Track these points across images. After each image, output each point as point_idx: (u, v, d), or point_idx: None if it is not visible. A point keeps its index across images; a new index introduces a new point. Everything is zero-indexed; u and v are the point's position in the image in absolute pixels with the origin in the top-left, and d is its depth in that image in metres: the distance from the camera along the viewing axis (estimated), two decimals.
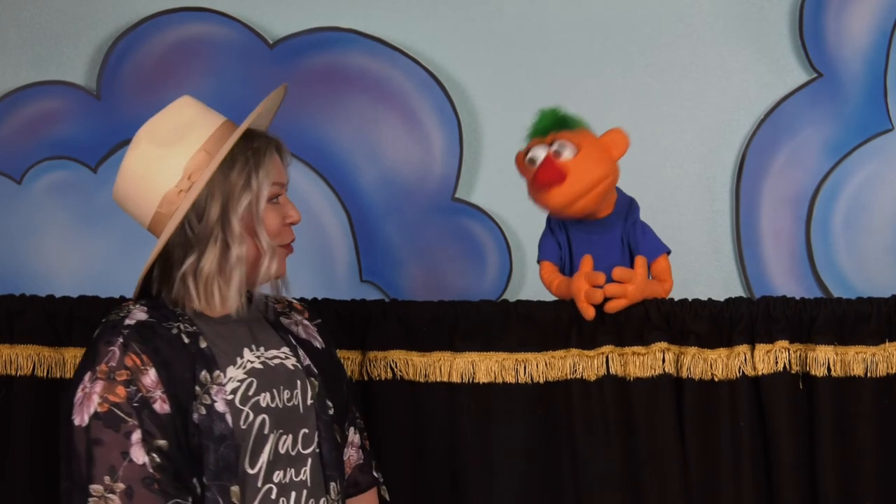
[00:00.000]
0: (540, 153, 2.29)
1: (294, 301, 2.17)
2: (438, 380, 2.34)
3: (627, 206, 2.36)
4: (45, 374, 2.35)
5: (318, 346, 2.09)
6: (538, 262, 2.40)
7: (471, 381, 2.33)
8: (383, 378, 2.36)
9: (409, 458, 2.35)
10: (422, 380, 2.34)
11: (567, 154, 2.27)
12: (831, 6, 3.11)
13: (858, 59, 3.11)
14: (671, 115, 3.16)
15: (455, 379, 2.33)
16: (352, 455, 2.14)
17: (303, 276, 3.07)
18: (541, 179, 2.25)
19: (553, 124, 2.33)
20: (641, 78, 3.17)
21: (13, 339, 2.36)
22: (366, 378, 2.37)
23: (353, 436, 2.15)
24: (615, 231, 2.34)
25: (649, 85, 3.17)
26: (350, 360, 2.37)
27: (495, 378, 2.32)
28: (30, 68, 3.23)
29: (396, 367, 2.35)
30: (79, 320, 2.34)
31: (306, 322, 2.12)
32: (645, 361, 2.27)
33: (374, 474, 2.17)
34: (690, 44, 3.17)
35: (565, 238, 2.37)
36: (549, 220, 2.41)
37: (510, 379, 2.32)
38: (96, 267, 3.17)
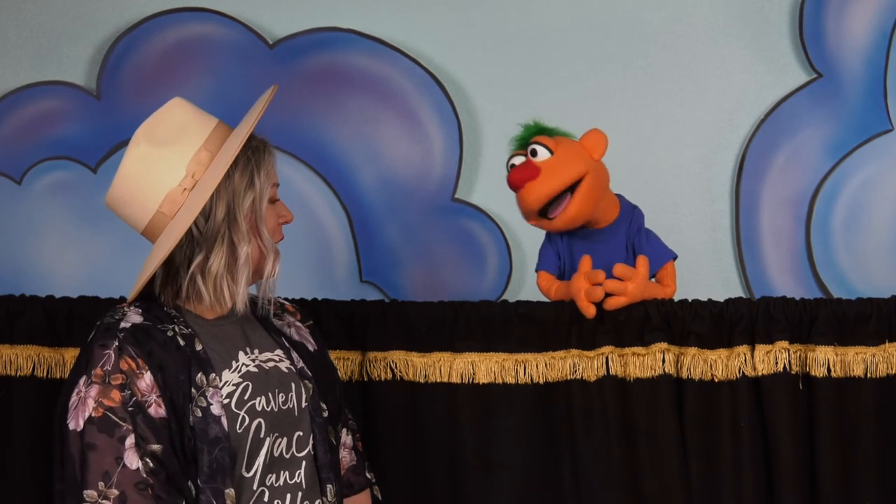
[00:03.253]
0: (518, 160, 2.32)
1: (286, 302, 2.17)
2: (438, 380, 2.34)
3: (631, 214, 2.37)
4: (45, 374, 2.35)
5: (311, 348, 2.09)
6: (536, 271, 2.41)
7: (471, 381, 2.33)
8: (383, 378, 2.36)
9: (408, 458, 2.35)
10: (422, 380, 2.34)
11: (541, 155, 2.29)
12: (831, 6, 3.11)
13: (858, 59, 3.11)
14: (671, 115, 3.16)
15: (455, 379, 2.33)
16: (344, 456, 2.14)
17: (303, 277, 3.10)
18: (514, 178, 2.29)
19: (531, 134, 2.35)
20: (641, 78, 3.17)
21: (13, 339, 2.35)
22: (366, 378, 2.37)
23: (346, 437, 2.15)
24: (619, 239, 2.35)
25: (649, 85, 3.17)
26: (350, 360, 2.37)
27: (495, 378, 2.32)
28: (30, 68, 3.23)
29: (396, 367, 2.35)
30: (79, 320, 2.34)
31: (298, 324, 2.12)
32: (645, 362, 2.28)
33: (367, 475, 2.17)
34: (690, 44, 3.17)
35: (565, 248, 2.38)
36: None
37: (510, 379, 2.32)
38: (96, 267, 3.17)
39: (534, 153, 2.30)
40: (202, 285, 1.92)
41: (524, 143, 2.36)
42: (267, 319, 2.06)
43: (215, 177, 1.90)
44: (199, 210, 1.88)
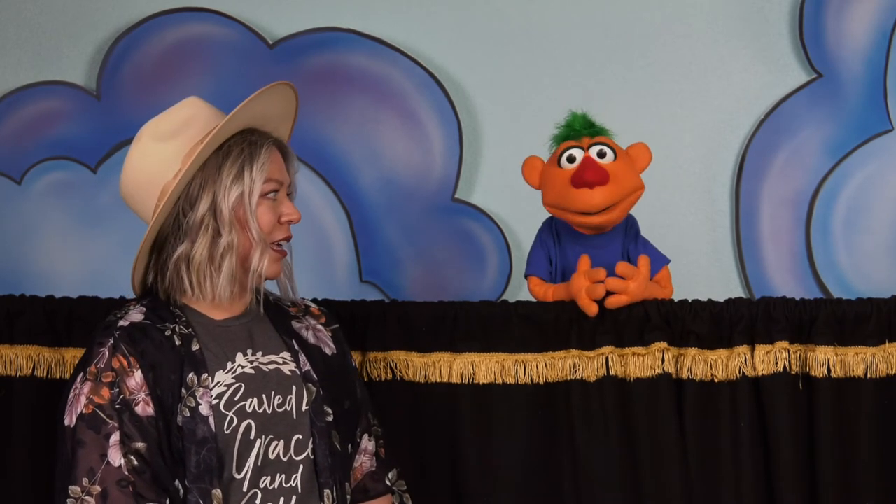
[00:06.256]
0: (578, 153, 2.30)
1: (312, 305, 2.16)
2: (438, 380, 2.34)
3: (626, 221, 2.37)
4: (45, 374, 2.35)
5: (329, 352, 2.08)
6: (525, 276, 2.40)
7: (471, 381, 2.33)
8: (383, 379, 2.36)
9: (408, 458, 2.34)
10: (422, 380, 2.34)
11: (609, 157, 2.28)
12: (831, 6, 3.11)
13: (858, 59, 3.11)
14: (671, 115, 3.16)
15: (455, 380, 2.33)
16: (364, 462, 2.13)
17: (303, 277, 3.07)
18: (588, 177, 2.25)
19: (584, 128, 2.33)
20: (641, 78, 3.17)
21: (13, 339, 2.35)
22: (366, 379, 2.36)
23: (367, 443, 2.13)
24: (615, 245, 2.35)
25: (649, 85, 3.17)
26: None
27: (495, 379, 2.32)
28: (30, 68, 3.23)
29: (396, 367, 2.35)
30: (79, 320, 2.34)
31: (320, 327, 2.11)
32: (645, 362, 2.27)
33: (387, 482, 2.15)
34: (690, 44, 3.17)
35: (559, 253, 2.37)
36: (540, 233, 2.41)
37: (510, 380, 2.32)
38: (96, 267, 3.17)
39: (602, 154, 2.29)
40: (184, 274, 1.93)
41: (577, 134, 2.34)
42: (282, 321, 2.05)
43: (197, 163, 1.91)
44: (177, 195, 1.89)
